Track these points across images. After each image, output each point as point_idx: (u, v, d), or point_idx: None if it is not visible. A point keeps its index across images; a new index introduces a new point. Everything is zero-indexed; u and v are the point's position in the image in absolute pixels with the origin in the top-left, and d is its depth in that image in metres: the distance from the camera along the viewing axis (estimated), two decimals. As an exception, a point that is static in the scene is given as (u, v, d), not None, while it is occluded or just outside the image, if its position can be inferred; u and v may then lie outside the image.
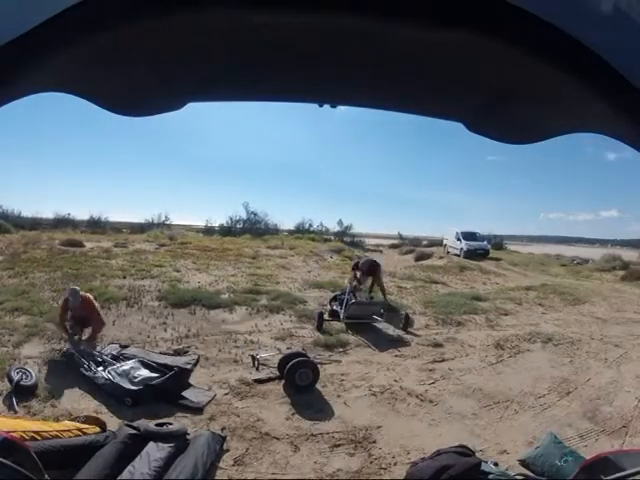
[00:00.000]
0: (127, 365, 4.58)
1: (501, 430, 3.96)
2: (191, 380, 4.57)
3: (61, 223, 20.59)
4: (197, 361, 5.07)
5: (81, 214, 23.50)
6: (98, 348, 5.08)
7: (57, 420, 3.50)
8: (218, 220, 24.75)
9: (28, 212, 22.00)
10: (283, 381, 4.62)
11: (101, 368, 4.53)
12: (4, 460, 0.90)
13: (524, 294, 10.17)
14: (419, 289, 10.22)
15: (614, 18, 0.45)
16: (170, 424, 3.42)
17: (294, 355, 4.76)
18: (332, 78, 0.71)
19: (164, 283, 8.61)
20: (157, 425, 3.36)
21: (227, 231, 22.45)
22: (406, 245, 24.15)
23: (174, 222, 24.35)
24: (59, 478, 2.64)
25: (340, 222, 25.38)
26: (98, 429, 3.28)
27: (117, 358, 4.82)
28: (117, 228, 22.29)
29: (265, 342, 5.94)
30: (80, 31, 0.46)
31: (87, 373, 4.46)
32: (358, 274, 7.99)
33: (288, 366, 4.51)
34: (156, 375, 4.40)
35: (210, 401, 4.23)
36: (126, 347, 5.26)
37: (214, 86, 0.77)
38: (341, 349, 5.86)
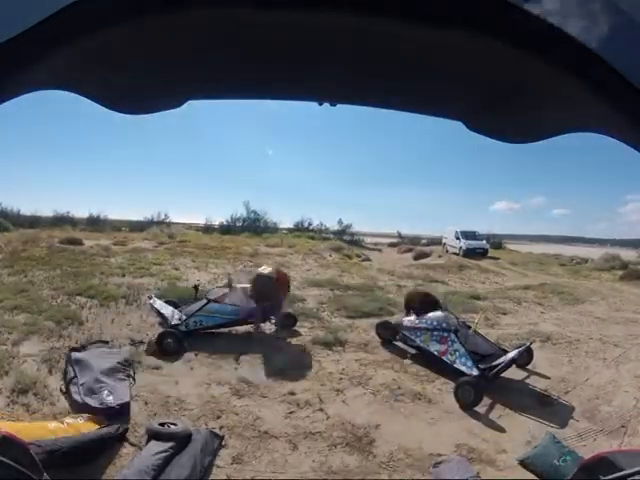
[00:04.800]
0: None
1: (500, 429, 3.97)
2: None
3: (60, 221, 20.55)
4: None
5: (80, 212, 23.44)
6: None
7: (57, 419, 3.49)
8: (218, 218, 24.79)
9: (27, 210, 21.96)
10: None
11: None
12: (3, 458, 0.90)
13: (523, 293, 10.18)
14: (418, 288, 10.21)
15: (614, 18, 0.44)
16: (174, 424, 3.40)
17: None
18: (332, 77, 0.71)
19: (163, 281, 8.61)
20: (160, 425, 3.34)
21: (227, 229, 22.44)
22: (405, 244, 24.17)
23: (174, 220, 24.36)
24: (59, 478, 2.64)
25: (340, 221, 25.46)
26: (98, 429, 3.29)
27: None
28: (116, 226, 22.24)
29: (264, 341, 5.95)
30: (80, 28, 0.46)
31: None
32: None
33: None
34: None
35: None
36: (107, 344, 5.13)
37: (214, 84, 0.76)
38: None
